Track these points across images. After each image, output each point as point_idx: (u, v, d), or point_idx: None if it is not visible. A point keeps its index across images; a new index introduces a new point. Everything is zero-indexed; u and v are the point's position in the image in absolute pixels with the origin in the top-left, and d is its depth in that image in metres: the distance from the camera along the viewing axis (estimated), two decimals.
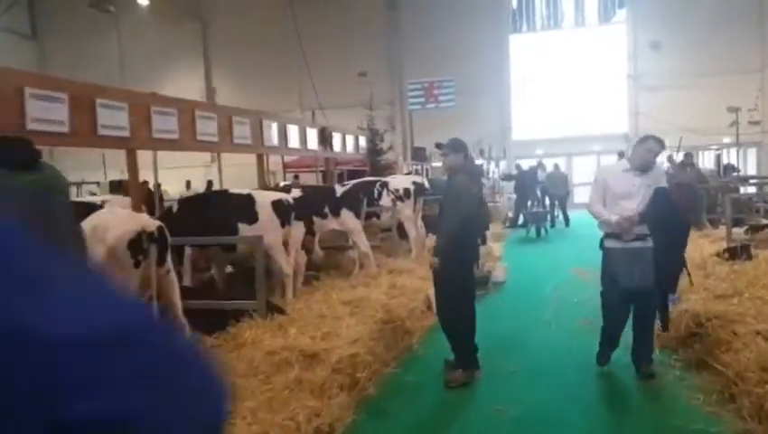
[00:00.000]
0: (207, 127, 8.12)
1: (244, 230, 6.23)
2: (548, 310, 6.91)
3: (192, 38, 26.87)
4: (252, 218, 6.27)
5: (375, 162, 15.55)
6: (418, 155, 20.05)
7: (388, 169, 15.93)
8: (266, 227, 6.27)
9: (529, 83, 23.96)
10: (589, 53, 23.18)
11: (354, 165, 16.26)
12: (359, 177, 12.29)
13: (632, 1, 22.58)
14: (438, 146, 4.87)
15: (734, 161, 20.29)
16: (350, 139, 14.36)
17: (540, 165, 18.25)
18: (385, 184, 9.24)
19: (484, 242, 8.92)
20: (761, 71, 21.76)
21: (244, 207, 6.30)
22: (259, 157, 10.11)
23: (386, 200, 9.14)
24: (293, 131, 11.23)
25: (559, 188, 16.17)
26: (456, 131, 21.06)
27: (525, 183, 16.21)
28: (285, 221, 6.42)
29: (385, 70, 24.37)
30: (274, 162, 16.53)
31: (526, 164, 19.21)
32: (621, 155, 18.58)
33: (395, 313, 5.69)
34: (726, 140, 20.55)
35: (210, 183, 19.56)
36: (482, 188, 7.90)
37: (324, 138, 12.83)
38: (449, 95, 19.73)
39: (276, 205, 6.36)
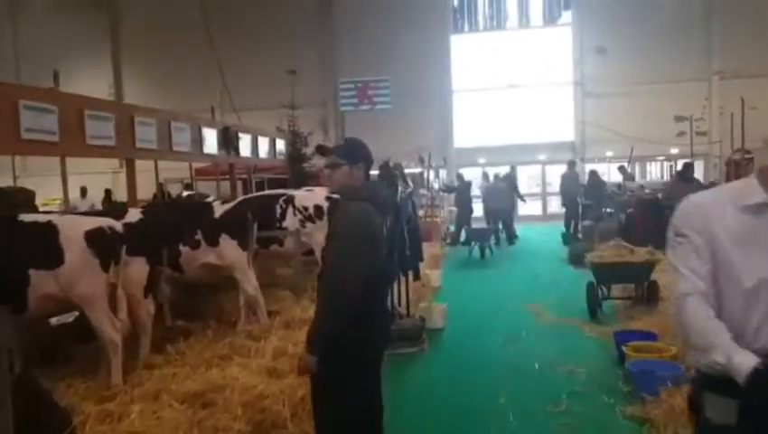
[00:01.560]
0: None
1: (40, 280, 3.99)
2: (502, 384, 4.93)
3: (98, 30, 23.89)
4: (53, 259, 4.04)
5: (298, 169, 13.39)
6: None
7: (315, 178, 13.84)
8: (77, 272, 4.06)
9: (471, 88, 22.39)
10: (534, 57, 21.83)
11: (276, 173, 14.08)
12: (281, 187, 10.17)
13: (577, 2, 21.37)
14: (321, 150, 2.80)
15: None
16: (263, 142, 12.16)
17: (485, 175, 16.58)
18: (290, 200, 7.12)
19: (417, 277, 6.93)
20: (707, 80, 20.93)
21: (40, 243, 4.06)
22: (129, 162, 7.81)
23: (291, 220, 7.02)
24: (182, 131, 8.98)
25: (501, 202, 14.45)
26: (395, 137, 19.20)
27: (467, 195, 14.45)
28: (109, 260, 4.22)
29: (317, 69, 22.21)
30: (176, 167, 14.20)
31: (472, 173, 17.60)
32: (572, 165, 17.26)
33: (270, 413, 3.59)
34: (674, 151, 19.51)
35: (107, 192, 16.92)
36: (407, 217, 5.89)
37: (228, 140, 10.61)
38: (384, 96, 17.82)
39: (94, 237, 4.15)
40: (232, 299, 6.39)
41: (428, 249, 11.82)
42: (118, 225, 4.35)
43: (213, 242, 5.68)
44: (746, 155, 17.52)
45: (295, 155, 13.57)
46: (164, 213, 5.81)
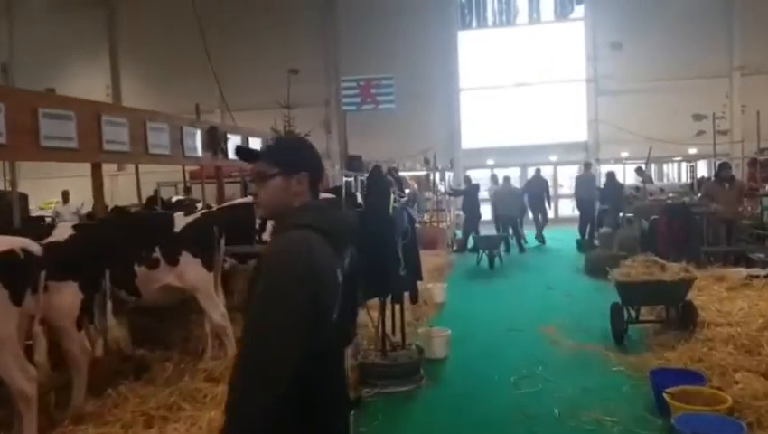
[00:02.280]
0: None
1: None
2: None
3: (96, 29, 23.16)
4: None
5: None
6: (352, 165, 17.16)
7: None
8: None
9: (479, 86, 21.46)
10: (545, 54, 20.86)
11: None
12: None
13: None
14: (242, 153, 1.90)
15: (702, 174, 18.25)
16: (255, 143, 11.30)
17: (493, 177, 15.68)
18: None
19: (415, 300, 6.01)
20: (728, 76, 19.86)
21: None
22: (95, 167, 6.97)
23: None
24: (161, 132, 8.14)
25: (511, 207, 13.53)
26: (399, 138, 18.30)
27: (474, 199, 13.53)
28: (22, 290, 3.37)
29: (320, 68, 21.37)
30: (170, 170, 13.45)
31: (480, 175, 16.69)
32: (587, 166, 16.28)
33: None
34: (693, 151, 18.47)
35: (65, 194, 15.84)
36: (403, 232, 4.95)
37: (214, 141, 9.76)
38: (388, 95, 16.91)
39: (1, 263, 3.30)
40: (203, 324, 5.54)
41: (433, 258, 10.98)
42: (36, 246, 3.49)
43: (173, 261, 4.83)
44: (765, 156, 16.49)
45: None
46: (106, 228, 4.93)
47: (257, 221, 6.23)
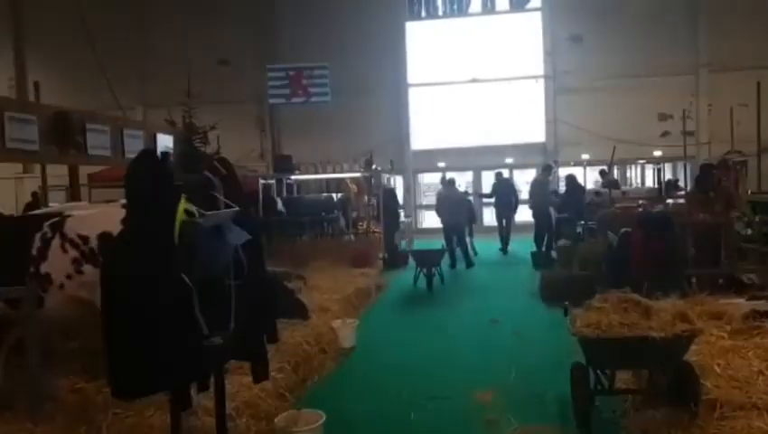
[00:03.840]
0: None
1: None
2: None
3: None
4: None
5: (196, 170, 10.30)
6: (281, 165, 15.06)
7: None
8: None
9: (430, 81, 19.57)
10: (500, 47, 19.10)
11: None
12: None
13: None
14: None
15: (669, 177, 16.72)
16: (165, 141, 9.18)
17: (445, 181, 13.67)
18: (57, 226, 4.06)
19: (262, 376, 3.88)
20: (694, 73, 18.46)
21: None
22: None
23: (59, 261, 3.97)
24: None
25: (455, 214, 11.63)
26: (339, 136, 16.13)
27: (391, 204, 11.87)
28: None
29: (255, 61, 18.99)
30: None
31: (432, 179, 14.68)
32: (547, 169, 14.33)
33: None
34: (657, 153, 16.92)
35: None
36: (236, 269, 2.98)
37: (65, 133, 7.52)
38: (322, 87, 14.90)
39: None
40: None
41: (358, 278, 8.96)
42: None
43: None
44: (738, 158, 15.01)
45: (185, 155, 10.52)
46: None
47: (37, 244, 4.04)
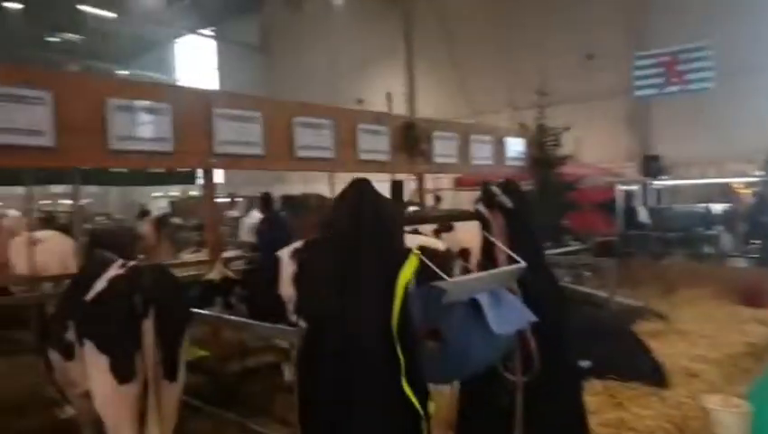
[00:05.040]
0: None
1: None
2: None
3: (392, 32, 23.05)
4: None
5: (547, 175, 9.60)
6: (649, 168, 13.05)
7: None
8: None
9: None
10: None
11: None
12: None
13: None
14: None
15: None
16: (515, 144, 8.87)
17: None
18: None
19: None
20: None
21: None
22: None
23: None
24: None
25: None
26: (726, 132, 13.12)
27: None
28: None
29: (618, 49, 16.94)
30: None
31: None
32: None
33: None
34: None
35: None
36: None
37: (408, 141, 7.57)
38: (702, 71, 12.17)
39: None
40: None
41: (751, 325, 6.46)
42: None
43: None
44: None
45: (539, 159, 9.74)
46: None
47: None
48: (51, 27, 27.11)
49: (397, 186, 7.04)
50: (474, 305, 1.90)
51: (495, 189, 2.37)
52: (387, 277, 1.84)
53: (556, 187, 9.31)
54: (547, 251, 8.78)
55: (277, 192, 20.84)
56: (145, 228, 16.08)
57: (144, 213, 20.02)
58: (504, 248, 2.21)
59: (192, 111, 5.18)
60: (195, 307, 3.13)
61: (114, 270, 2.65)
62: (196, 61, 30.91)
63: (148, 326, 2.42)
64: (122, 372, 2.42)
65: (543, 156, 9.80)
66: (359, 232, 1.94)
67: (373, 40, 23.00)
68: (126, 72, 32.58)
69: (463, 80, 20.10)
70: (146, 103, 4.84)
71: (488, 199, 2.37)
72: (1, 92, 4.12)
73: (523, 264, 2.12)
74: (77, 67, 31.86)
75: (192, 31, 29.23)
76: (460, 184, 13.80)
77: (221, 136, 5.33)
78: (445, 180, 12.78)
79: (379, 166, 7.00)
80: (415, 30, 22.57)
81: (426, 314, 1.85)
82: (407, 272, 1.82)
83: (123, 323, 2.44)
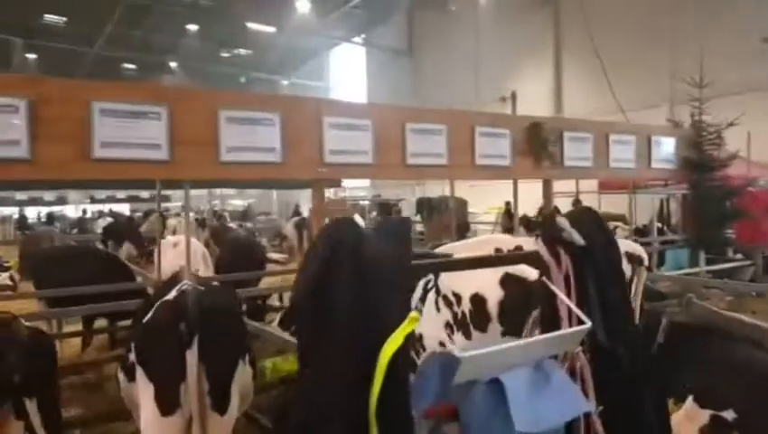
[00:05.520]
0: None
1: None
2: None
3: (539, 28, 22.00)
4: None
5: (703, 178, 8.43)
6: None
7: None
8: None
9: None
10: None
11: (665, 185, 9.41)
12: None
13: None
14: None
15: None
16: (667, 144, 7.93)
17: None
18: (436, 274, 3.31)
19: None
20: None
21: None
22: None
23: (432, 319, 3.24)
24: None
25: None
26: None
27: None
28: None
29: None
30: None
31: None
32: None
33: None
34: None
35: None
36: None
37: (535, 142, 7.00)
38: None
39: None
40: None
41: None
42: None
43: None
44: None
45: (695, 161, 8.50)
46: None
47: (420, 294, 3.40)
48: (221, 44, 29.72)
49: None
50: (499, 387, 1.45)
51: (562, 221, 1.86)
52: (363, 355, 1.49)
53: (715, 192, 8.09)
54: (695, 268, 7.68)
55: (417, 194, 20.87)
56: (288, 229, 17.03)
57: (296, 213, 21.33)
58: (567, 300, 1.72)
59: (301, 120, 5.17)
60: None
61: (172, 293, 2.63)
62: (348, 68, 32.11)
63: (192, 357, 2.35)
64: (165, 403, 2.37)
65: (698, 158, 8.55)
66: (325, 300, 1.57)
67: (519, 37, 22.12)
68: (286, 82, 34.87)
69: (612, 75, 18.45)
70: (256, 114, 4.91)
71: (550, 234, 1.86)
72: (124, 109, 4.37)
73: (588, 324, 1.65)
74: (244, 79, 34.81)
75: (345, 39, 30.41)
76: (603, 187, 12.69)
77: (331, 144, 5.26)
78: (586, 182, 11.73)
79: (499, 172, 6.52)
80: (562, 25, 21.27)
81: (443, 387, 1.48)
82: (392, 347, 1.46)
83: (168, 352, 2.38)
